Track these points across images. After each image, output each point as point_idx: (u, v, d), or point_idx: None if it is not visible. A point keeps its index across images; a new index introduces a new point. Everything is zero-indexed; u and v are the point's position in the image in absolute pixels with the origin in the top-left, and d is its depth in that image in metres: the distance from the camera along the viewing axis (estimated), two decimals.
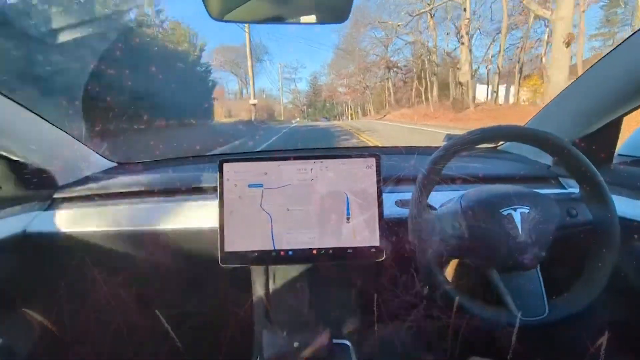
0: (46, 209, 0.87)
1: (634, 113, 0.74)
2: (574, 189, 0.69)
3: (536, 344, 0.71)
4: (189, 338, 0.91)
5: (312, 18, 0.57)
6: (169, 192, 0.86)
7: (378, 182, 0.72)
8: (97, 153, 1.03)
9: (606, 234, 0.58)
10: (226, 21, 0.58)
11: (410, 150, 0.97)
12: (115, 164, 1.06)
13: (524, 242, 0.57)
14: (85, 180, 0.94)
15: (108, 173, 1.00)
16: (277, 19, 0.55)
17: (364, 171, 0.72)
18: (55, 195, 0.88)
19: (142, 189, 0.87)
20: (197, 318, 0.91)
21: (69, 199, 0.88)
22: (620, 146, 0.84)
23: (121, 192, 0.88)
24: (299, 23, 0.58)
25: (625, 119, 0.77)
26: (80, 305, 0.90)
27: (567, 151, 0.60)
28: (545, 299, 0.59)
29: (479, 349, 0.64)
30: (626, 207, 0.66)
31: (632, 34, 0.65)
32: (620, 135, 0.81)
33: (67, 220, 0.84)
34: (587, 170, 0.59)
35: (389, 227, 0.71)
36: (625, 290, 0.68)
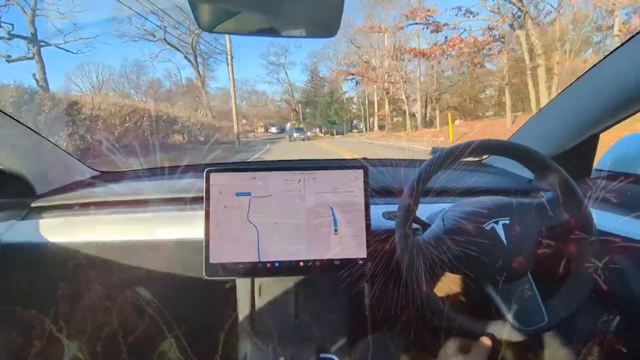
0: (23, 219, 0.83)
1: (611, 130, 0.77)
2: None
3: (534, 352, 0.71)
4: (172, 352, 0.88)
5: (301, 31, 0.58)
6: (154, 202, 0.85)
7: (365, 194, 0.72)
8: (79, 161, 1.00)
9: (584, 230, 0.60)
10: (216, 32, 0.58)
11: (397, 163, 0.98)
12: (98, 173, 1.04)
13: (510, 253, 0.58)
14: (66, 188, 0.91)
15: (90, 182, 0.97)
16: (267, 32, 0.56)
17: (352, 183, 0.72)
18: (33, 204, 0.85)
19: (126, 198, 0.85)
20: (181, 332, 0.88)
21: (48, 208, 0.85)
22: (598, 161, 0.88)
23: (104, 202, 0.85)
24: (289, 36, 0.59)
25: (602, 135, 0.81)
26: (58, 319, 0.86)
27: (546, 164, 0.62)
28: (542, 305, 0.59)
29: None
30: (603, 220, 0.68)
31: (608, 54, 0.68)
32: (598, 151, 0.84)
33: (46, 230, 0.81)
34: (562, 178, 0.61)
35: (377, 239, 0.71)
36: (606, 302, 0.69)
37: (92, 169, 1.03)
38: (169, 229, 0.80)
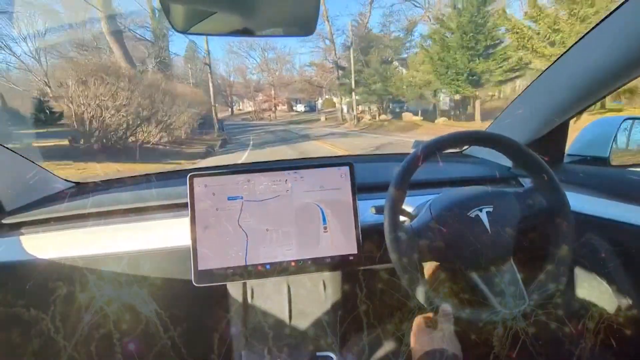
0: None
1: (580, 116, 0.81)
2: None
3: (522, 336, 0.73)
4: (168, 358, 0.86)
5: (278, 31, 0.58)
6: (135, 211, 0.82)
7: (353, 190, 0.72)
8: (52, 173, 0.96)
9: (562, 215, 0.63)
10: (191, 34, 0.57)
11: (382, 158, 0.99)
12: (72, 184, 0.99)
13: (494, 239, 0.60)
14: (39, 203, 0.87)
15: (65, 194, 0.93)
16: (243, 32, 0.55)
17: (339, 180, 0.73)
18: (4, 221, 0.80)
19: (105, 209, 0.82)
20: (175, 338, 0.86)
21: (21, 225, 0.81)
22: (569, 147, 0.92)
23: (81, 214, 0.82)
24: (266, 36, 0.58)
25: (572, 121, 0.85)
26: (37, 340, 0.82)
27: (522, 152, 0.65)
28: (524, 288, 0.62)
29: (467, 350, 0.65)
30: (576, 201, 0.71)
31: (573, 45, 0.71)
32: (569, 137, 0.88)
33: (19, 247, 0.77)
34: (538, 165, 0.64)
35: (367, 234, 0.72)
36: (582, 280, 0.73)
37: (65, 180, 0.99)
38: (153, 238, 0.78)
